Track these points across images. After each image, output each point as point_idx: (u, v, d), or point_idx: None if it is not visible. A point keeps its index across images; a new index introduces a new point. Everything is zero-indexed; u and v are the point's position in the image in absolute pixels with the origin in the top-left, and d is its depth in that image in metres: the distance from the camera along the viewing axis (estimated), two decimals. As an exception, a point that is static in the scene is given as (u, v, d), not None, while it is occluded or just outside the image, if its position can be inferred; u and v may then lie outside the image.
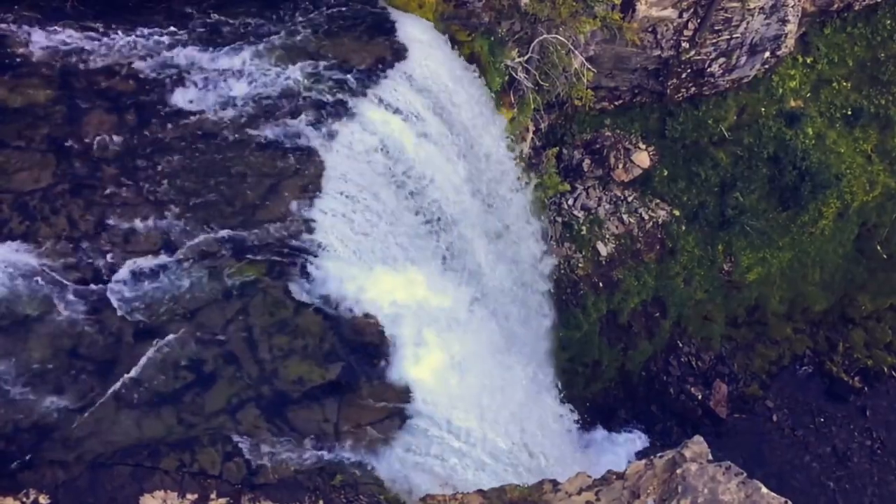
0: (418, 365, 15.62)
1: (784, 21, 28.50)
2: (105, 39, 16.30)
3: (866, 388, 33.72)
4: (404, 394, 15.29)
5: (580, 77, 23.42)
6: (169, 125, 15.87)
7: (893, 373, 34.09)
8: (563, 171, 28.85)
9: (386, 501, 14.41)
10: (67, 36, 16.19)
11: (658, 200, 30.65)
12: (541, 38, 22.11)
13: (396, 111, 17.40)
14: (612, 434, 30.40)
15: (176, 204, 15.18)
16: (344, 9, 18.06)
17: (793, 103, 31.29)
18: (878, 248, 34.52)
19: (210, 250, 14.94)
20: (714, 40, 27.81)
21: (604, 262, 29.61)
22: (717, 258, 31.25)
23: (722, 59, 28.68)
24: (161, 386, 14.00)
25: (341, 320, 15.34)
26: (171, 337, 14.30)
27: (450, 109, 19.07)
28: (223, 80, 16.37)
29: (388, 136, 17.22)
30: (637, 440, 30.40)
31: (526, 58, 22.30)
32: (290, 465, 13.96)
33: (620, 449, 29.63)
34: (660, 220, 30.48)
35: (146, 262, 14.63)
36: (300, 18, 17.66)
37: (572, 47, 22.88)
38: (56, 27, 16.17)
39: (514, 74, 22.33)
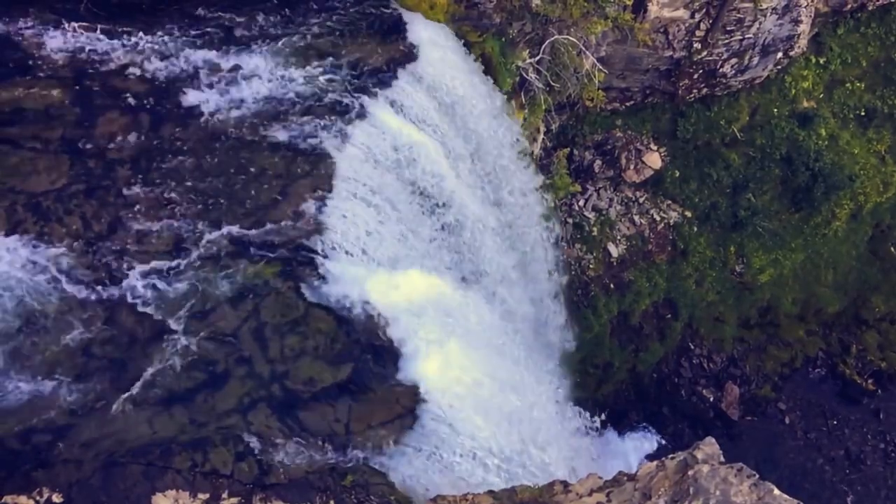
0: (429, 366, 15.63)
1: (797, 21, 28.36)
2: (119, 41, 16.40)
3: (880, 391, 33.51)
4: (415, 395, 15.30)
5: (591, 78, 23.39)
6: (182, 126, 15.95)
7: (907, 375, 33.88)
8: (574, 172, 28.83)
9: (396, 502, 14.42)
10: (82, 38, 16.29)
11: (669, 201, 30.57)
12: (552, 38, 22.09)
13: (407, 112, 17.43)
14: (624, 436, 30.33)
15: (189, 205, 15.26)
16: (355, 10, 18.11)
17: (805, 104, 31.15)
18: (892, 249, 34.31)
19: (222, 251, 15.01)
20: (726, 41, 27.71)
21: (615, 264, 29.55)
22: (729, 259, 31.13)
23: (734, 60, 28.57)
24: (173, 385, 14.06)
25: (352, 321, 15.37)
26: (183, 337, 14.37)
27: (460, 110, 19.08)
28: (236, 81, 16.44)
29: (399, 138, 17.25)
30: (648, 442, 30.32)
31: (537, 59, 22.30)
32: (301, 465, 14.00)
33: (632, 451, 29.56)
34: (671, 222, 30.40)
35: (159, 263, 14.70)
36: (312, 20, 17.72)
37: (583, 48, 22.86)
38: (70, 29, 16.27)
39: (524, 75, 22.33)
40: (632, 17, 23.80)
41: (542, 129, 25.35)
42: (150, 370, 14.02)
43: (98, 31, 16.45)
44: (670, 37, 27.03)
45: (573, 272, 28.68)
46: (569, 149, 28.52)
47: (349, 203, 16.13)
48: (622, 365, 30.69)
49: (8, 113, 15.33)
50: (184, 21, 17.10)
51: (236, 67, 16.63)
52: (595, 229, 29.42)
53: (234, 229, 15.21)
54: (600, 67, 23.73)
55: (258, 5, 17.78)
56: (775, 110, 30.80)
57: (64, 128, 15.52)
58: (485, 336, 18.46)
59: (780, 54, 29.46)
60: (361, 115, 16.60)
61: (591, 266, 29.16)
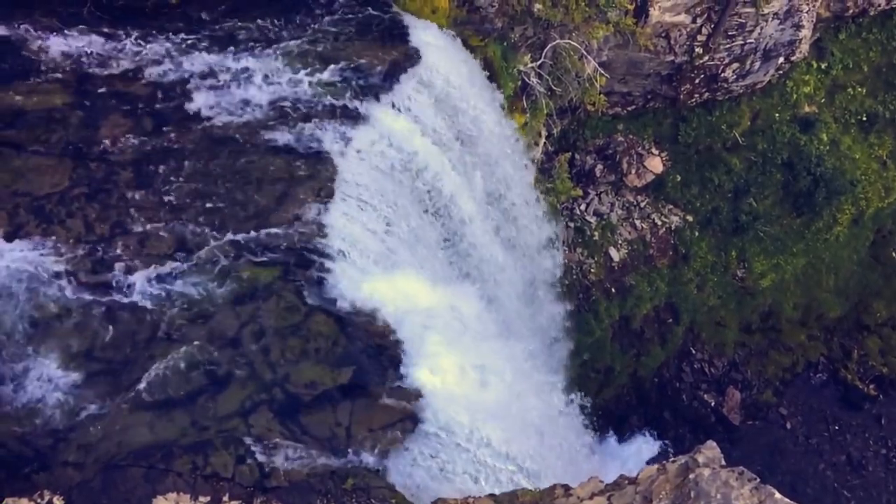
0: (430, 369, 15.62)
1: (798, 26, 28.41)
2: (121, 44, 16.45)
3: (881, 396, 33.47)
4: (416, 398, 15.30)
5: (593, 82, 23.45)
6: (184, 130, 15.98)
7: (909, 380, 33.83)
8: (576, 177, 28.84)
9: (397, 505, 14.42)
10: (84, 41, 16.34)
11: (671, 206, 30.58)
12: (553, 43, 22.15)
13: (409, 116, 17.46)
14: (625, 440, 30.29)
15: (191, 208, 15.29)
16: (357, 14, 18.16)
17: (807, 109, 31.18)
18: (894, 254, 34.30)
19: (224, 254, 15.03)
20: (728, 45, 27.75)
21: (616, 268, 29.55)
22: (731, 264, 31.12)
23: (736, 65, 28.60)
24: (174, 388, 14.07)
25: (354, 324, 15.38)
26: (184, 340, 14.38)
27: (462, 114, 19.11)
28: (238, 84, 16.48)
29: (401, 141, 17.27)
30: (649, 446, 30.26)
31: (539, 63, 22.35)
32: (301, 469, 14.00)
33: (633, 455, 29.49)
34: (673, 226, 30.40)
35: (161, 266, 14.73)
36: (314, 23, 17.76)
37: (585, 52, 22.91)
38: (73, 32, 16.32)
39: (526, 80, 22.37)
40: (633, 21, 23.86)
41: (544, 133, 25.38)
42: (151, 373, 14.02)
43: (101, 35, 16.49)
44: (672, 41, 27.07)
45: (574, 276, 28.69)
46: (570, 153, 28.53)
47: (351, 206, 16.15)
48: (623, 369, 30.67)
49: (10, 116, 15.37)
50: (186, 25, 17.14)
51: (239, 71, 16.66)
52: (596, 233, 29.43)
53: (236, 232, 15.24)
54: (602, 72, 23.77)
55: (261, 9, 17.83)
56: (777, 115, 30.82)
57: (66, 131, 15.55)
58: (486, 341, 18.44)
59: (781, 59, 29.49)
60: (363, 118, 16.63)
61: (592, 270, 29.17)
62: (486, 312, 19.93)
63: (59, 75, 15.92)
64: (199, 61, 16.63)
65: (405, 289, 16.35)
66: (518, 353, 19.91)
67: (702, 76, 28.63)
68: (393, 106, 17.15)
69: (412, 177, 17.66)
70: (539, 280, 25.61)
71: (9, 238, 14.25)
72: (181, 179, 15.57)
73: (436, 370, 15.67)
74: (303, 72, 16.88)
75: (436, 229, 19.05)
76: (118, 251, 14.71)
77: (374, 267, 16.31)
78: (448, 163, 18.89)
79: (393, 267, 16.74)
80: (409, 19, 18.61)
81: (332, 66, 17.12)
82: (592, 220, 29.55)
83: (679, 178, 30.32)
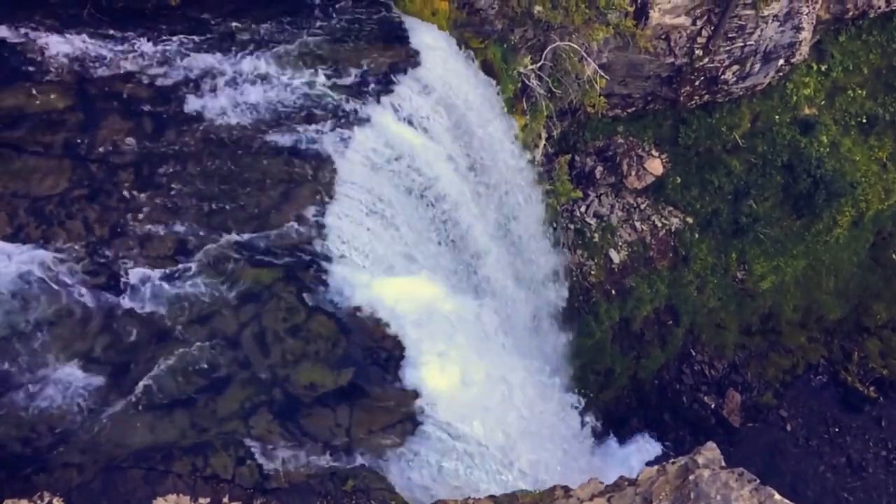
0: (431, 371, 15.63)
1: (798, 28, 28.42)
2: (121, 46, 16.44)
3: (881, 398, 33.47)
4: (416, 400, 15.30)
5: (593, 84, 23.47)
6: (185, 131, 15.98)
7: (909, 382, 33.82)
8: (576, 178, 28.86)
9: (397, 507, 14.43)
10: (84, 43, 16.33)
11: (671, 208, 30.59)
12: (553, 45, 22.17)
13: (409, 118, 17.46)
14: (625, 442, 30.29)
15: (191, 209, 15.29)
16: (358, 16, 18.17)
17: (807, 111, 31.20)
18: (894, 256, 34.31)
19: (224, 255, 15.04)
20: (728, 48, 27.77)
21: (616, 270, 29.55)
22: (731, 266, 31.13)
23: (736, 67, 28.62)
24: (174, 390, 14.08)
25: (354, 325, 15.39)
26: (185, 341, 14.38)
27: (462, 116, 19.12)
28: (238, 86, 16.49)
29: (401, 143, 17.28)
30: (649, 448, 30.27)
31: (539, 65, 22.36)
32: (301, 470, 14.01)
33: (633, 457, 29.50)
34: (673, 228, 30.41)
35: (161, 268, 14.73)
36: (315, 25, 17.76)
37: (585, 54, 22.93)
38: (73, 34, 16.32)
39: (526, 81, 22.39)
40: (633, 23, 23.88)
41: (544, 135, 25.39)
42: (152, 374, 14.03)
43: (101, 37, 16.49)
44: (672, 43, 27.09)
45: (574, 278, 28.70)
46: (570, 155, 28.55)
47: (351, 208, 16.15)
48: (623, 371, 30.67)
49: (10, 117, 15.37)
50: (187, 26, 17.14)
51: (239, 72, 16.67)
52: (596, 235, 29.44)
53: (237, 234, 15.24)
54: (602, 74, 23.80)
55: (261, 10, 17.84)
56: (777, 117, 30.84)
57: (66, 132, 15.54)
58: (487, 343, 18.45)
59: (781, 61, 29.51)
60: (363, 120, 16.63)
61: (592, 272, 29.17)
62: (489, 313, 19.92)
63: (59, 77, 15.90)
64: (199, 62, 16.61)
65: (406, 290, 16.36)
66: (536, 371, 19.92)
67: (702, 78, 28.64)
68: (393, 107, 17.13)
69: (412, 178, 17.66)
70: (544, 312, 25.72)
71: (8, 239, 14.25)
72: (182, 181, 15.57)
73: (436, 372, 15.67)
74: (303, 73, 16.87)
75: (438, 232, 19.06)
76: (118, 253, 14.71)
77: (375, 268, 16.32)
78: (467, 193, 18.93)
79: (394, 268, 16.76)
80: (409, 21, 18.60)
81: (332, 68, 17.10)
82: (592, 221, 29.56)
83: (679, 179, 30.33)
